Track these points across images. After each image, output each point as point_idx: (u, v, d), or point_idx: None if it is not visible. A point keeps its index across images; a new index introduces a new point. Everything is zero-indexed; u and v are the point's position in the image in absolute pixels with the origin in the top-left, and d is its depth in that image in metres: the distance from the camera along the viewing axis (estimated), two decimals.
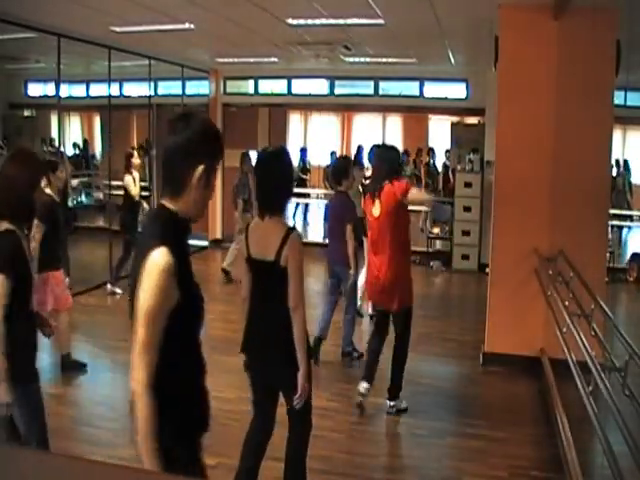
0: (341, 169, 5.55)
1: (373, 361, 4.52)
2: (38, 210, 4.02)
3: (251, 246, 2.90)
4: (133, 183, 7.37)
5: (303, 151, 12.43)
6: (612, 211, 8.05)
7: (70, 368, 5.07)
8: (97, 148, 12.11)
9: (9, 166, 2.89)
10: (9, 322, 2.68)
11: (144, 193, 10.57)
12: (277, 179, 2.89)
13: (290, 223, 2.90)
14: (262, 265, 2.84)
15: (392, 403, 4.44)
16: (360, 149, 11.17)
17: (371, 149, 4.87)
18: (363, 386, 4.44)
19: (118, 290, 7.29)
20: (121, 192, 7.66)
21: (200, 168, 1.84)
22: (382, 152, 4.60)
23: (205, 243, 10.30)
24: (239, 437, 3.17)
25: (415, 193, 4.38)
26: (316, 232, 10.24)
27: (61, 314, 5.00)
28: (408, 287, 4.40)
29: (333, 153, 12.16)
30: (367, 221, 4.60)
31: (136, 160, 7.51)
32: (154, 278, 1.74)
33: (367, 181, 6.54)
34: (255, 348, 2.96)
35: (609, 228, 6.80)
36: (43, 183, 4.58)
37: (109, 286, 7.46)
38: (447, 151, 11.27)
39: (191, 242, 2.09)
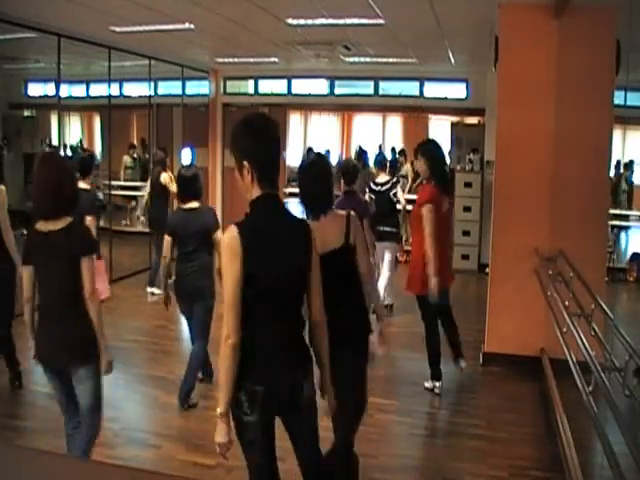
0: (353, 170, 5.87)
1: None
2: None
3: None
4: (171, 181, 7.55)
5: (310, 151, 12.38)
6: (612, 211, 8.06)
7: None
8: (97, 148, 12.10)
9: (52, 170, 3.10)
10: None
11: (143, 193, 10.62)
12: (324, 183, 3.12)
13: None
14: (330, 257, 2.91)
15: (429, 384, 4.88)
16: (363, 151, 11.16)
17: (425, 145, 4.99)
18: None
19: (157, 291, 7.27)
20: (121, 192, 7.71)
21: None
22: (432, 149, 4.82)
23: None
24: None
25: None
26: None
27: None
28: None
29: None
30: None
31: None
32: None
33: (379, 187, 6.84)
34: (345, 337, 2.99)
35: (609, 228, 6.81)
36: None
37: (148, 288, 7.55)
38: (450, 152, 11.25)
39: None
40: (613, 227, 9.01)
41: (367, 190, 6.90)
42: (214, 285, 4.39)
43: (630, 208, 9.98)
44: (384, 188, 6.78)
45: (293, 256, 2.36)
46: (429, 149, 4.73)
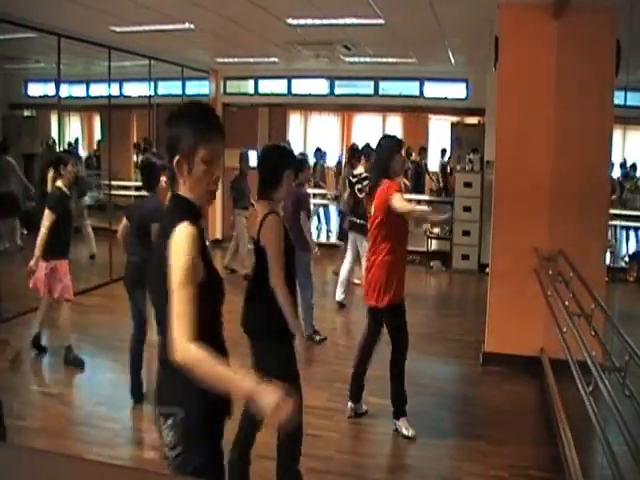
0: (299, 164, 6.14)
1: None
2: (48, 200, 4.97)
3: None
4: None
5: (318, 151, 12.32)
6: (612, 211, 8.05)
7: (71, 363, 5.15)
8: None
9: None
10: None
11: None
12: (263, 171, 3.22)
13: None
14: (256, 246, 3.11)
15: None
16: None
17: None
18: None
19: None
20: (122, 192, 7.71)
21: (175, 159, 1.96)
22: (379, 144, 4.31)
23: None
24: None
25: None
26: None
27: (63, 305, 5.21)
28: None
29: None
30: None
31: None
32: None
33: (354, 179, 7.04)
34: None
35: (609, 228, 6.81)
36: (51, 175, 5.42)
37: None
38: (443, 150, 11.22)
39: None
40: (613, 227, 9.00)
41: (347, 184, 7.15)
42: None
43: None
44: (354, 180, 7.00)
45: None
46: (370, 151, 4.45)
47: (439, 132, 11.67)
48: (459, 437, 4.20)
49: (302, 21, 6.27)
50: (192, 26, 6.58)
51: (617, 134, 9.03)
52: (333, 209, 10.94)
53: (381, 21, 6.04)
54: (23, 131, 10.42)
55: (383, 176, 4.12)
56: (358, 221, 6.80)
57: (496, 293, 5.45)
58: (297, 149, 11.00)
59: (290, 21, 6.27)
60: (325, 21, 6.17)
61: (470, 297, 8.30)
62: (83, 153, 11.62)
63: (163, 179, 4.46)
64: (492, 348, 5.41)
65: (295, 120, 12.53)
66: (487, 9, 5.23)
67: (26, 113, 11.19)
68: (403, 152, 4.38)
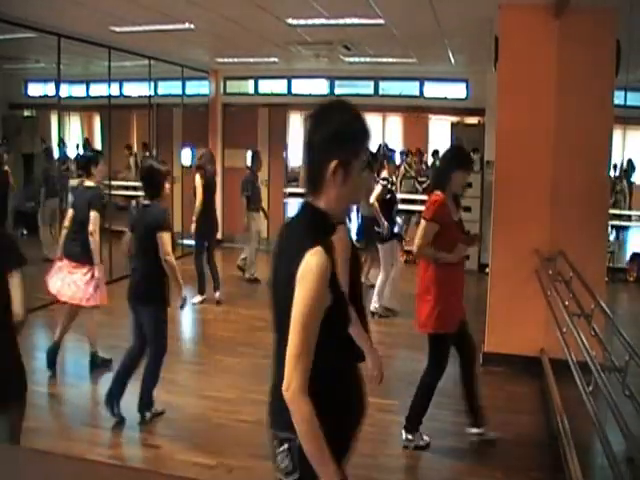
0: None
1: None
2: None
3: None
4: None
5: None
6: (612, 211, 8.06)
7: (98, 365, 5.15)
8: (97, 148, 12.10)
9: None
10: None
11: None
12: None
13: None
14: None
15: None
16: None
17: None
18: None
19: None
20: (122, 192, 7.71)
21: (333, 164, 1.76)
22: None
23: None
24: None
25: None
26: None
27: (93, 310, 5.14)
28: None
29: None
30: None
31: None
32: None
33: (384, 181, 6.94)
34: None
35: (609, 228, 6.82)
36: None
37: (217, 294, 6.80)
38: (435, 152, 11.13)
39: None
40: (613, 227, 9.01)
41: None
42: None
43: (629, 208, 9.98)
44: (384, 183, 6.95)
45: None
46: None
47: (439, 132, 11.67)
48: (459, 437, 4.19)
49: (302, 21, 6.28)
50: (192, 26, 6.58)
51: (617, 134, 9.03)
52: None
53: (381, 21, 6.05)
54: (23, 131, 10.43)
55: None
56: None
57: (496, 293, 5.45)
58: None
59: (290, 21, 6.27)
60: (325, 21, 6.17)
61: (470, 297, 8.24)
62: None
63: (167, 186, 4.33)
64: (492, 348, 5.41)
65: (295, 120, 12.54)
66: (487, 9, 5.23)
67: (26, 113, 11.19)
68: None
